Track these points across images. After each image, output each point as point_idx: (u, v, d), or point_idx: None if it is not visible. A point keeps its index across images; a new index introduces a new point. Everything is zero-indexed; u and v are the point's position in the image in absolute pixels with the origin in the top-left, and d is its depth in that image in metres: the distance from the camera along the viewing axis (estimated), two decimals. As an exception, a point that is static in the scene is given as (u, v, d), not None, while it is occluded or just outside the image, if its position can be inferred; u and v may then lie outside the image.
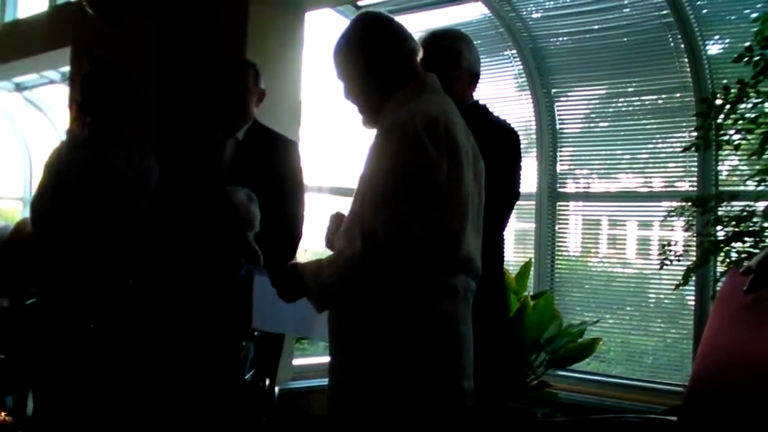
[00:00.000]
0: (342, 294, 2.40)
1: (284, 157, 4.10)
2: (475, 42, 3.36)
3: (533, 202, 5.72)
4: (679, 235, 4.93)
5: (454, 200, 2.38)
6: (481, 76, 3.36)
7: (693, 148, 4.35)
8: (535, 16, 5.70)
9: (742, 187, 4.66)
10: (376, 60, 2.51)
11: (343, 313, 2.48)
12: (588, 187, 5.77)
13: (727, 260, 4.19)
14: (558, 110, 5.73)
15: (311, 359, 5.73)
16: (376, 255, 2.29)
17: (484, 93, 5.14)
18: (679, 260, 4.46)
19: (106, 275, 3.98)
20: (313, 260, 2.51)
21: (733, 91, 4.04)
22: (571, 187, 5.78)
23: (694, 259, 4.52)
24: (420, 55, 2.60)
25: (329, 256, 2.47)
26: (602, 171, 5.74)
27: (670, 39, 5.12)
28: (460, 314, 2.47)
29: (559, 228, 5.75)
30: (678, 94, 5.24)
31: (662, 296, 5.27)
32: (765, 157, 4.03)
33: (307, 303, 2.53)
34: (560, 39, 5.66)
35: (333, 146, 6.19)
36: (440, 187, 2.33)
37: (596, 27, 5.46)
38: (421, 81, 2.55)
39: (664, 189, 5.37)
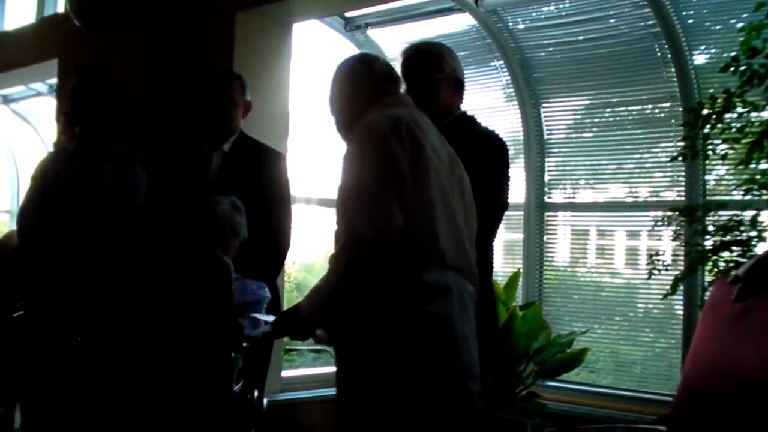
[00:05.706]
0: (339, 292, 2.49)
1: (271, 169, 4.10)
2: (462, 53, 3.42)
3: (521, 213, 5.71)
4: (667, 244, 4.93)
5: (423, 193, 2.51)
6: (468, 87, 3.38)
7: (680, 158, 4.36)
8: (522, 26, 5.70)
9: (729, 197, 4.68)
10: (354, 87, 2.81)
11: (342, 323, 2.52)
12: (576, 197, 5.78)
13: (715, 269, 4.19)
14: (545, 120, 5.73)
15: (300, 371, 5.72)
16: (359, 248, 2.42)
17: (472, 103, 5.18)
18: (667, 270, 4.46)
19: (94, 287, 3.96)
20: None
21: (719, 100, 4.05)
22: (559, 197, 5.78)
23: (682, 268, 4.53)
24: (400, 83, 2.91)
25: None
26: (590, 181, 5.75)
27: (657, 49, 5.13)
28: (456, 314, 2.51)
29: (548, 238, 5.75)
30: (665, 104, 5.25)
31: (651, 306, 5.27)
32: (752, 166, 4.05)
33: None
34: (547, 50, 5.67)
35: (321, 158, 6.18)
36: (407, 179, 2.48)
37: (583, 38, 5.47)
38: (394, 97, 2.80)
39: (651, 199, 5.38)
